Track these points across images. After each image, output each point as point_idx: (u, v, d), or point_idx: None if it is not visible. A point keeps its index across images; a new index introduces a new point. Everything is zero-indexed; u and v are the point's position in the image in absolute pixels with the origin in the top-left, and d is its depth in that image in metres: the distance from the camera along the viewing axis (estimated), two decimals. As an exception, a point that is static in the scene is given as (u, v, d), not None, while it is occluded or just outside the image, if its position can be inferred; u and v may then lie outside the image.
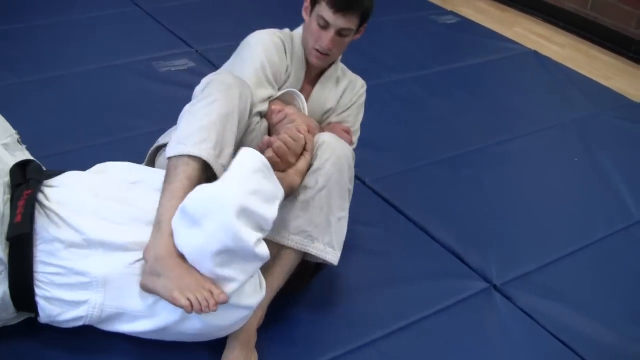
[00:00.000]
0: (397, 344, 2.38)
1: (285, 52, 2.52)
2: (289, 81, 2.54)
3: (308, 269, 2.38)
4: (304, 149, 2.24)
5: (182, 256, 1.92)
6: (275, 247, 2.22)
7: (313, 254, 2.25)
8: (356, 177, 3.12)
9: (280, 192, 2.01)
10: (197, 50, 4.08)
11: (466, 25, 5.06)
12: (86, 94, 3.52)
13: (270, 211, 1.94)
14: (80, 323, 2.05)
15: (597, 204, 3.24)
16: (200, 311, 1.85)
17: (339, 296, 2.55)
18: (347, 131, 2.58)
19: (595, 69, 4.65)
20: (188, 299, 1.84)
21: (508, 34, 4.96)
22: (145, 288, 1.95)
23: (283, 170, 2.17)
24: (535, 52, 4.73)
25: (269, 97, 2.43)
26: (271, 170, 1.99)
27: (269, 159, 2.04)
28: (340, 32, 2.42)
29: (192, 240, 1.90)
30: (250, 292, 2.01)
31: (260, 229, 1.92)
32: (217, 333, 2.09)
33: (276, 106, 2.37)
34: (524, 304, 2.60)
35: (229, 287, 1.90)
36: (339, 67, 2.67)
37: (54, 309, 2.02)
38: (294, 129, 2.22)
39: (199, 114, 2.12)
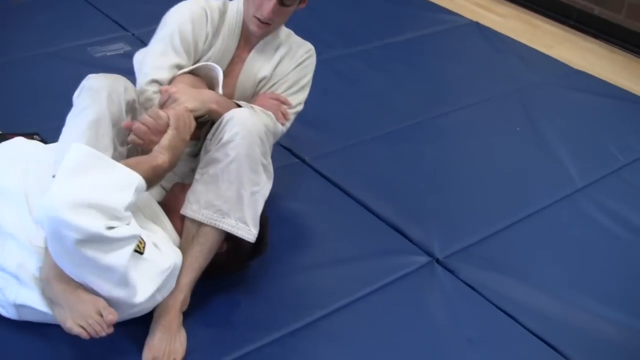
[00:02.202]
0: (339, 323, 2.34)
1: (208, 21, 2.45)
2: (213, 50, 2.48)
3: (243, 250, 2.31)
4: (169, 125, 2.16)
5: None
6: (195, 226, 2.20)
7: (224, 229, 2.19)
8: (295, 156, 3.11)
9: (133, 178, 1.93)
10: (133, 34, 3.98)
11: (407, -2, 5.00)
12: (19, 82, 3.41)
13: (119, 199, 1.87)
14: None
15: (540, 173, 3.22)
16: (97, 335, 1.89)
17: (277, 277, 2.50)
18: (278, 99, 2.51)
19: (536, 37, 4.64)
20: (81, 327, 1.89)
21: (449, 6, 4.92)
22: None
23: (150, 150, 2.12)
24: (477, 23, 4.69)
25: (177, 65, 2.40)
26: (105, 159, 1.94)
27: (131, 141, 2.14)
28: (282, 2, 2.35)
29: (51, 249, 1.90)
30: (144, 278, 1.98)
31: (113, 217, 1.85)
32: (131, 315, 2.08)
33: (164, 86, 2.30)
34: (467, 277, 2.57)
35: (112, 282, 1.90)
36: (282, 34, 2.59)
37: None
38: (155, 108, 2.20)
39: (70, 126, 2.17)
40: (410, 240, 2.72)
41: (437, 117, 3.55)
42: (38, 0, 4.25)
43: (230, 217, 2.19)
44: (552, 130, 3.52)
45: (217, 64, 2.43)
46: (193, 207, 2.20)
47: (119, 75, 2.25)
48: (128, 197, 1.89)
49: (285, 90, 2.55)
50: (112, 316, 1.87)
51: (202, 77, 2.43)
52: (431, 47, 4.35)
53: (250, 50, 2.53)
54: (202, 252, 2.20)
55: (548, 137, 3.46)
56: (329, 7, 4.59)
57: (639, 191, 3.17)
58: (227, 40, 2.49)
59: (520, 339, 2.37)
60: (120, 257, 1.86)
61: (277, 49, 2.56)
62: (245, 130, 2.18)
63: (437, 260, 2.64)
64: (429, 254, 2.66)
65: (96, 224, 1.80)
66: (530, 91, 3.91)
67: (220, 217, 2.18)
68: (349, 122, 3.45)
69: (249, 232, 2.22)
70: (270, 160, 2.31)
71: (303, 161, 3.11)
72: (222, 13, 2.50)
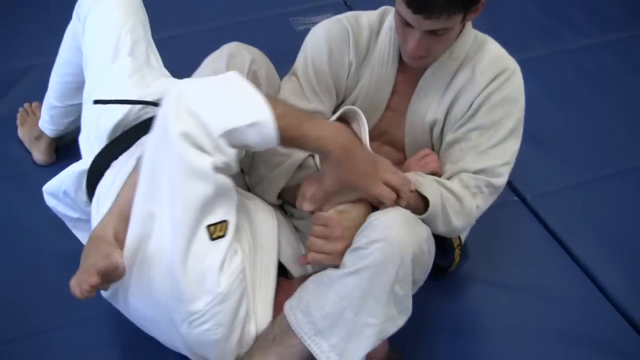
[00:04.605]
0: None
1: (350, 45, 1.92)
2: (362, 84, 1.94)
3: None
4: None
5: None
6: (282, 326, 1.70)
7: (311, 349, 1.64)
8: (515, 192, 2.50)
9: (259, 111, 1.55)
10: (345, 2, 3.43)
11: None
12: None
13: (221, 120, 1.54)
14: None
15: None
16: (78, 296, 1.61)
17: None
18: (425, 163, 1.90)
19: None
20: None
21: None
22: None
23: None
24: None
25: (314, 112, 1.93)
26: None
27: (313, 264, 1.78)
28: (433, 32, 1.73)
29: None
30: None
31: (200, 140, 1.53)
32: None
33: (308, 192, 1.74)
34: None
35: None
36: (463, 49, 1.88)
37: None
38: (318, 214, 1.72)
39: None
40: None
41: None
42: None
43: (323, 339, 1.64)
44: None
45: (370, 103, 1.92)
46: (292, 303, 1.69)
47: (256, 50, 1.90)
48: (233, 123, 1.53)
49: (476, 142, 1.84)
50: (86, 285, 1.55)
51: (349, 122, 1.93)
52: None
53: (416, 82, 1.91)
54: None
55: None
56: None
57: None
58: (379, 69, 1.91)
59: None
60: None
61: (454, 75, 1.88)
62: (387, 241, 1.59)
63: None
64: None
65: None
66: None
67: (312, 333, 1.64)
68: (590, 144, 2.74)
69: None
70: (409, 293, 1.67)
71: (524, 201, 2.49)
72: (375, 32, 1.93)
